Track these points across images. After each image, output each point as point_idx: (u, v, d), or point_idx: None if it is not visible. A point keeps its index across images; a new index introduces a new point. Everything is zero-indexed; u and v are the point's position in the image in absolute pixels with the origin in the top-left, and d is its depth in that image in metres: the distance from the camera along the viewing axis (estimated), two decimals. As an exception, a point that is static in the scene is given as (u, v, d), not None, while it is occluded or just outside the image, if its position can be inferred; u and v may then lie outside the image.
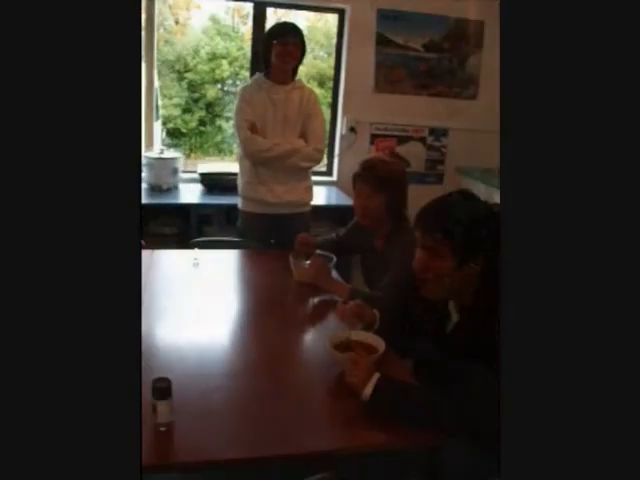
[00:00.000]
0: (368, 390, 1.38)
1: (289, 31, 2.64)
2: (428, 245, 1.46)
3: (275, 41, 2.64)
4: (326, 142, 3.97)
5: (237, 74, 4.25)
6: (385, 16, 3.79)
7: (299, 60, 2.73)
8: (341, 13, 3.82)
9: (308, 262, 2.16)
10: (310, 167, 2.82)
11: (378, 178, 2.07)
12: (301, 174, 2.81)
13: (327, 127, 4.00)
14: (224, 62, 4.29)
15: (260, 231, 2.85)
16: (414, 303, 1.69)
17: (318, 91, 4.17)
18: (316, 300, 2.05)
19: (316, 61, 4.38)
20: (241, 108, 2.72)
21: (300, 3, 3.70)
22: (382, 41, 3.83)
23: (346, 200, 3.62)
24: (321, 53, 4.27)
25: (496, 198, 3.24)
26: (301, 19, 3.91)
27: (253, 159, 2.75)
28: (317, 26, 4.20)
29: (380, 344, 1.59)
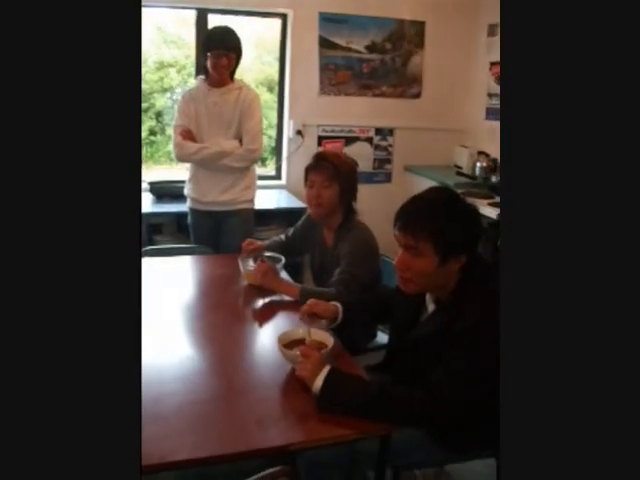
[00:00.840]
0: (319, 382, 1.39)
1: (220, 43, 2.69)
2: (409, 244, 1.44)
3: (209, 53, 2.70)
4: (269, 142, 4.03)
5: (186, 82, 4.23)
6: (327, 19, 3.85)
7: (234, 66, 2.79)
8: (284, 18, 3.85)
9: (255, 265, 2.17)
10: (245, 167, 2.86)
11: (332, 167, 2.12)
12: (239, 173, 2.86)
13: (274, 131, 4.04)
14: (172, 71, 4.27)
15: (204, 227, 2.98)
16: (393, 295, 1.72)
17: (268, 96, 4.19)
18: (266, 301, 2.07)
19: (264, 66, 4.39)
20: (177, 115, 2.84)
21: (242, 9, 3.71)
22: (325, 44, 3.89)
23: (295, 203, 3.67)
24: (269, 59, 4.28)
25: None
26: (250, 25, 3.91)
27: (184, 162, 2.94)
28: (264, 32, 4.21)
29: (330, 342, 1.60)
